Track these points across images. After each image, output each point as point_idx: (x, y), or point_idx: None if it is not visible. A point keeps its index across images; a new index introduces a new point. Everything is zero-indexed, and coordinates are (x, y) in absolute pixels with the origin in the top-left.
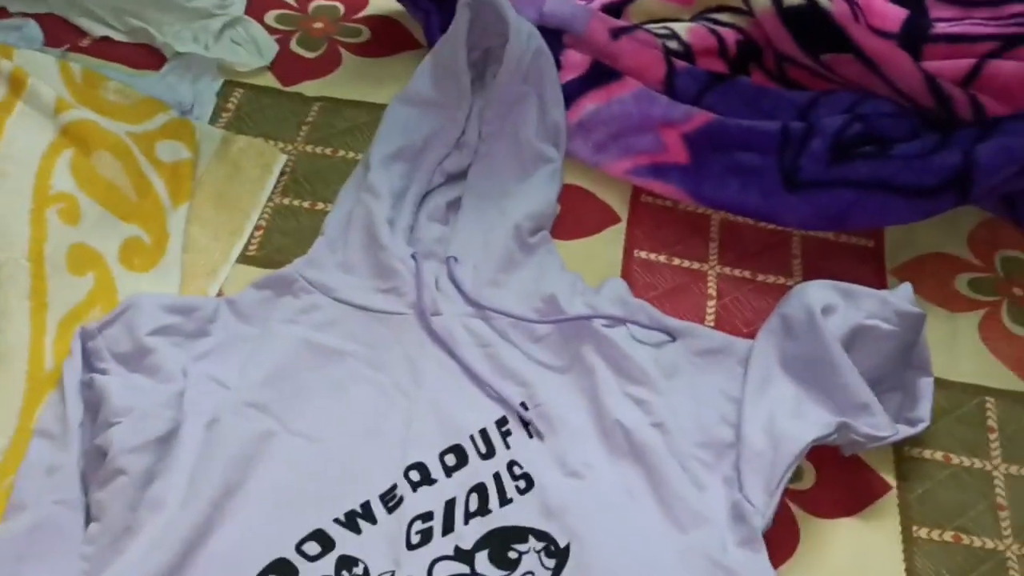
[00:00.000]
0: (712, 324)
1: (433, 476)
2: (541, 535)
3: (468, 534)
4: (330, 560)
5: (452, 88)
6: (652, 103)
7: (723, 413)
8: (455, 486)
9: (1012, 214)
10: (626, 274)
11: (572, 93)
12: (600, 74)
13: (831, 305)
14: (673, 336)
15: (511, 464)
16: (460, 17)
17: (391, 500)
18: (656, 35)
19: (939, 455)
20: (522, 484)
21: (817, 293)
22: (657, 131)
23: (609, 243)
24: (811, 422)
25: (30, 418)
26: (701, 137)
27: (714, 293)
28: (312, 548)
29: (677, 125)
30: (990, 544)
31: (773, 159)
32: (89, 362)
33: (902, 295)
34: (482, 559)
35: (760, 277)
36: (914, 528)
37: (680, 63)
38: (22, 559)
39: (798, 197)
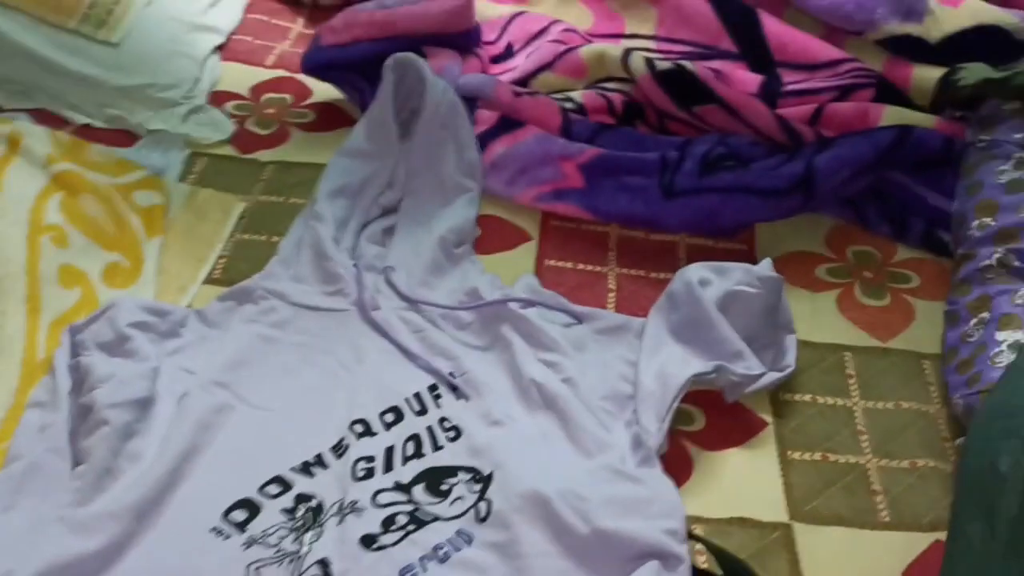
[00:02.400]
0: (613, 310)
1: (374, 430)
2: (469, 469)
3: (405, 472)
4: (289, 496)
5: (382, 139)
6: (551, 142)
7: (624, 374)
8: (393, 437)
9: (858, 218)
10: (538, 277)
11: (485, 140)
12: (507, 124)
13: (706, 279)
14: (579, 318)
15: (442, 420)
16: (386, 78)
17: (340, 450)
18: (554, 99)
19: (807, 397)
20: (451, 434)
21: (695, 271)
22: (556, 163)
23: (523, 256)
24: (693, 365)
25: (23, 397)
26: (594, 166)
27: (614, 287)
28: (272, 489)
29: (573, 158)
30: (853, 460)
31: (654, 179)
32: (76, 351)
33: (764, 266)
34: (419, 490)
35: (653, 275)
36: (789, 453)
37: (575, 115)
38: (19, 492)
39: (676, 203)
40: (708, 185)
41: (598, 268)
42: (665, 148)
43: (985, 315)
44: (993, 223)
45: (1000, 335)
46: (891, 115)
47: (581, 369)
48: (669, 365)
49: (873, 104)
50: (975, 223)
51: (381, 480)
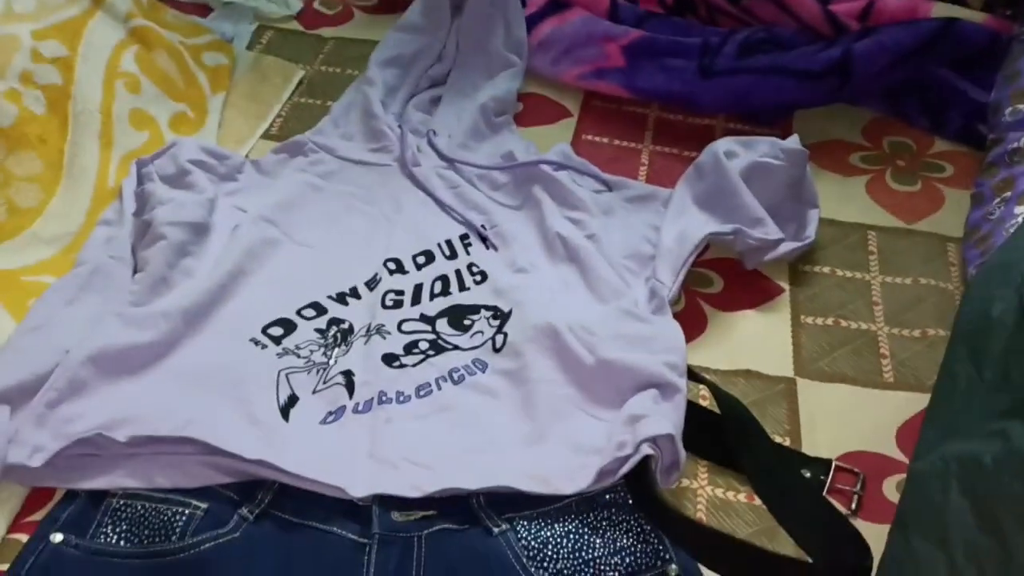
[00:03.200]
0: (643, 181)
1: (406, 268)
2: (490, 308)
3: (432, 307)
4: (323, 319)
5: (436, 15)
6: (597, 24)
7: (648, 236)
8: (423, 276)
9: (898, 111)
10: (575, 150)
11: (534, 21)
12: (556, 5)
13: (732, 151)
14: (609, 186)
15: (470, 265)
16: None
17: (373, 283)
18: None
19: (827, 269)
20: (478, 278)
21: (723, 143)
22: (600, 44)
23: (562, 130)
24: (710, 225)
25: (95, 217)
26: (636, 47)
27: (646, 162)
28: (308, 312)
29: (617, 39)
30: (865, 326)
31: (694, 62)
32: (142, 181)
33: (791, 140)
34: (442, 323)
35: (686, 153)
36: (802, 317)
37: (623, 1)
38: (83, 288)
39: (712, 83)
40: (745, 66)
41: (633, 144)
42: (709, 36)
43: (1008, 194)
44: None
45: (1018, 208)
46: (940, 10)
47: (606, 229)
48: (689, 227)
49: (924, 0)
50: (1008, 109)
51: (408, 311)
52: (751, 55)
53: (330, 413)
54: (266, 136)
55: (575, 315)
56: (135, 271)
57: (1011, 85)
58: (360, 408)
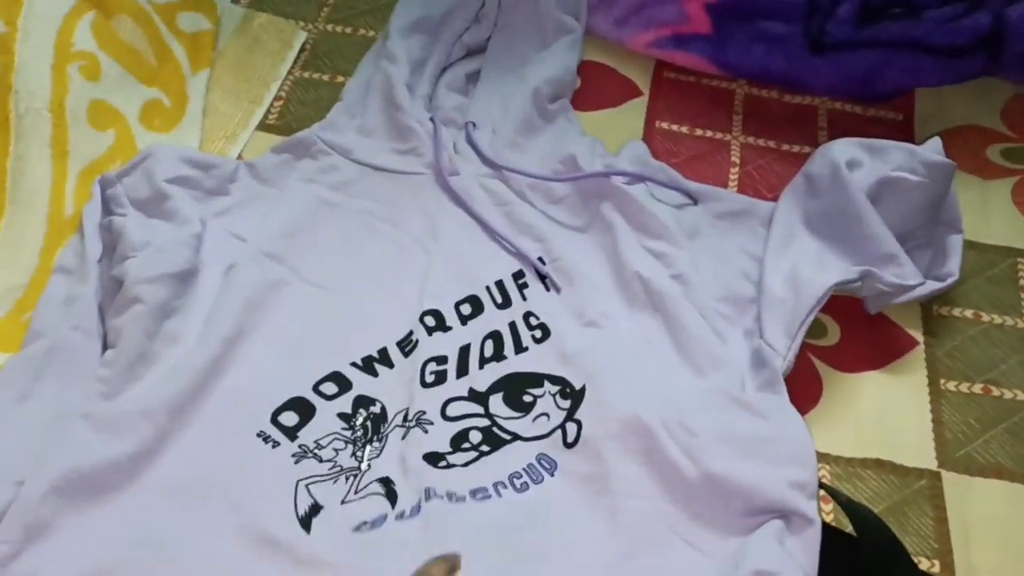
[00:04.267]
0: (735, 189)
1: (448, 324)
2: (556, 379)
3: (482, 378)
4: (347, 399)
5: None
6: None
7: (745, 270)
8: (470, 333)
9: None
10: (647, 143)
11: None
12: None
13: (856, 159)
14: (694, 199)
15: (527, 315)
16: None
17: (407, 345)
18: None
19: (969, 313)
20: (538, 334)
21: (842, 149)
22: (679, 2)
23: (631, 115)
24: (834, 270)
25: (50, 259)
26: (724, 7)
27: (737, 160)
28: (329, 388)
29: None
30: (1022, 396)
31: (799, 26)
32: (108, 208)
33: (931, 147)
34: (496, 401)
35: (785, 147)
36: (942, 381)
37: None
38: (39, 378)
39: (825, 60)
40: (868, 38)
41: (720, 135)
42: None
43: None
44: None
45: None
46: None
47: (694, 263)
48: (803, 268)
49: None
50: None
51: (453, 387)
52: (875, 21)
53: (365, 523)
54: (263, 126)
55: (668, 402)
56: (104, 344)
57: None
58: (407, 515)
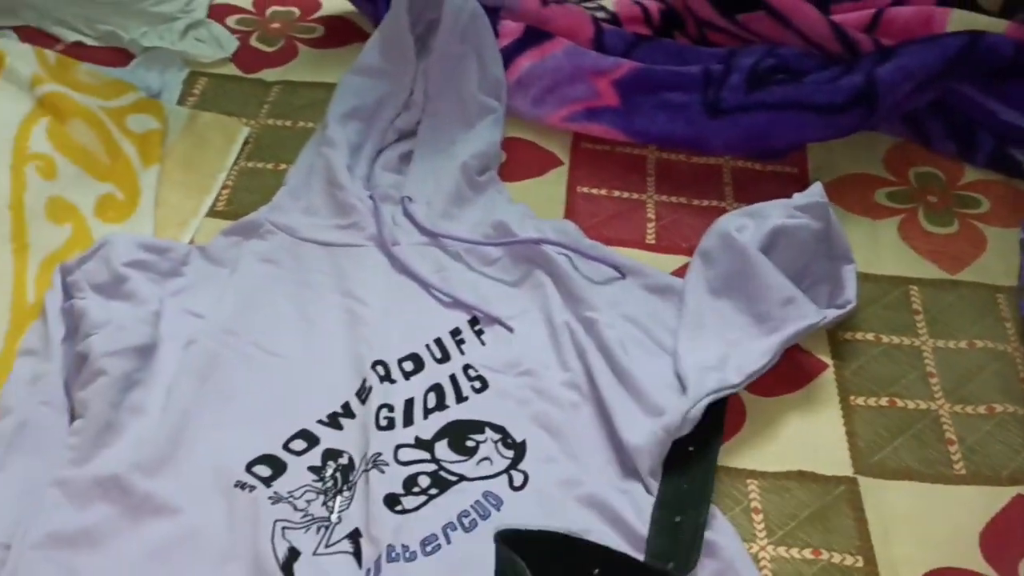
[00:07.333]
0: (653, 242)
1: (393, 377)
2: (497, 428)
3: (427, 427)
4: (316, 453)
5: (398, 55)
6: (583, 56)
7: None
8: (413, 388)
9: (919, 135)
10: (570, 206)
11: (509, 55)
12: (534, 36)
13: (742, 225)
14: (622, 273)
15: (466, 367)
16: None
17: (363, 393)
18: (585, 7)
19: (871, 336)
20: (477, 384)
21: (727, 220)
22: (588, 80)
23: (553, 183)
24: (712, 379)
25: (14, 344)
26: (630, 82)
27: (653, 217)
28: (298, 445)
29: (607, 73)
30: (923, 405)
31: (697, 95)
32: (69, 293)
33: (812, 192)
34: (441, 447)
35: (695, 202)
36: (851, 398)
37: (607, 25)
38: (10, 451)
39: (722, 122)
40: (758, 101)
41: (636, 195)
42: (708, 61)
43: None
44: None
45: None
46: (958, 20)
47: (621, 316)
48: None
49: (938, 7)
50: None
51: (401, 434)
52: (762, 87)
53: None
54: (212, 213)
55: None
56: (71, 416)
57: None
58: (372, 574)
